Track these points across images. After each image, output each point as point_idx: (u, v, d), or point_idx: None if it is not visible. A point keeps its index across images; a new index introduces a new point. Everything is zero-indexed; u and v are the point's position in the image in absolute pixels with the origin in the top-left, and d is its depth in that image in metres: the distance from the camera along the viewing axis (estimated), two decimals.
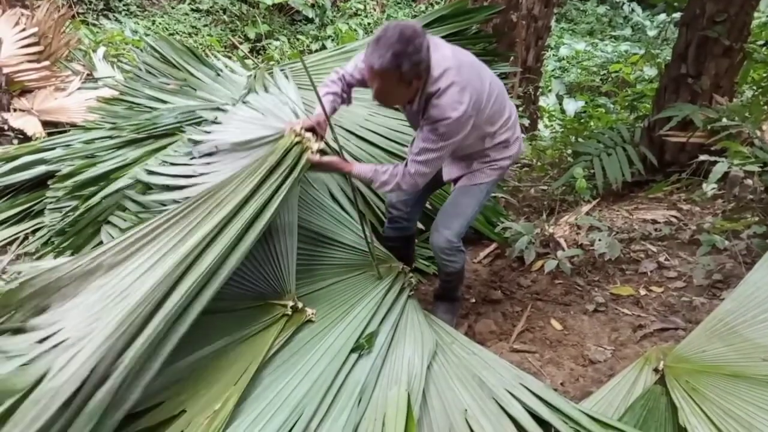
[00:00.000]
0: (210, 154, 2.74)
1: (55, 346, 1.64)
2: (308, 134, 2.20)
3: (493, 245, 3.56)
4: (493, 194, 3.59)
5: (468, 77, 2.09)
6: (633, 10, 12.33)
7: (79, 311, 1.76)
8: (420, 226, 3.13)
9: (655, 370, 1.94)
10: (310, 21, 11.50)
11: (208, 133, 2.92)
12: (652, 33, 11.22)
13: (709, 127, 3.81)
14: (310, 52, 9.93)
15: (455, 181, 2.54)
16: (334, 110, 2.33)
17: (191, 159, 2.80)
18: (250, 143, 2.61)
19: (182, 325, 1.73)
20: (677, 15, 5.58)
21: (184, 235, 1.92)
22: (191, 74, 4.09)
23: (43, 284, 1.87)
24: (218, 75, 4.13)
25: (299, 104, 3.09)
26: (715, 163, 2.99)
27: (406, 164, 2.23)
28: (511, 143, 2.44)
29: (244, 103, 3.12)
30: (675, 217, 3.62)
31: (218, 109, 3.26)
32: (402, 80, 1.98)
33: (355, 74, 2.36)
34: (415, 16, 11.49)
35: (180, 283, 1.77)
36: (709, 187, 3.26)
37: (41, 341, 1.68)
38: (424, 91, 2.08)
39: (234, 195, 2.03)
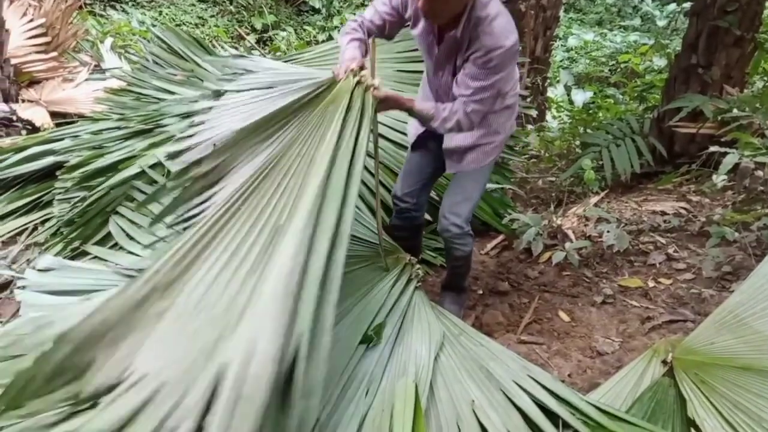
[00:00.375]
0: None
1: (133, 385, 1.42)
2: (364, 71, 2.04)
3: (501, 237, 3.55)
4: (500, 185, 3.58)
5: (508, 12, 2.06)
6: (642, 0, 12.21)
7: (146, 349, 1.51)
8: (427, 217, 3.13)
9: (664, 362, 1.93)
10: (317, 12, 11.46)
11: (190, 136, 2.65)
12: (661, 23, 11.11)
13: (719, 118, 3.78)
14: (317, 42, 9.89)
15: (458, 167, 2.48)
16: (362, 56, 2.17)
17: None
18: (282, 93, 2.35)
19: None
20: (687, 5, 5.52)
21: (260, 226, 1.73)
22: (198, 65, 4.08)
23: (84, 335, 1.51)
24: (225, 66, 4.12)
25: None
26: (725, 154, 2.97)
27: (461, 104, 2.11)
28: (514, 111, 2.39)
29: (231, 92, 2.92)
30: (684, 208, 3.60)
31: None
32: None
33: (375, 20, 2.25)
34: None
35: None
36: (719, 179, 3.24)
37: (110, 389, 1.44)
38: (472, 15, 2.00)
39: (305, 159, 1.84)
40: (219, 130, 2.33)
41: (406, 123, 3.30)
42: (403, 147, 3.21)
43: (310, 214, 1.66)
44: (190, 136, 2.46)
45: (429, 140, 2.48)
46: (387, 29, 2.29)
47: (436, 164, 2.52)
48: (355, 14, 11.11)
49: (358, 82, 2.00)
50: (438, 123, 2.14)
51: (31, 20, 5.62)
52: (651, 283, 2.91)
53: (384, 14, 2.24)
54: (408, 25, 2.31)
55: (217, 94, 2.59)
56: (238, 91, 2.63)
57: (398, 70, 3.61)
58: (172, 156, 2.48)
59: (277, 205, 1.78)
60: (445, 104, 2.14)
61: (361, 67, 2.05)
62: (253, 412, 1.29)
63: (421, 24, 2.18)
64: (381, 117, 3.34)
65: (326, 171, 1.77)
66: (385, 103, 2.09)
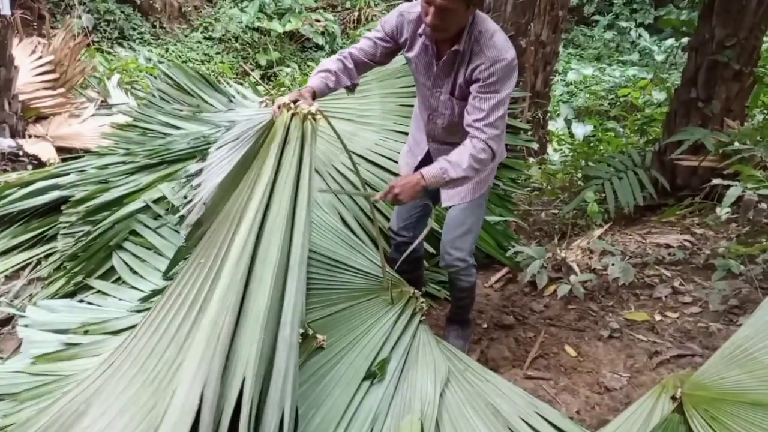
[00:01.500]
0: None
1: None
2: (299, 102, 1.99)
3: (505, 269, 3.54)
4: (503, 218, 3.57)
5: None
6: (640, 35, 12.42)
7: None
8: (430, 249, 3.12)
9: (673, 398, 1.90)
10: (320, 48, 11.65)
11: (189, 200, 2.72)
12: (659, 58, 11.27)
13: (720, 151, 3.79)
14: None
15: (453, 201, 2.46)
16: (327, 87, 2.18)
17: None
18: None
19: None
20: (685, 40, 5.60)
21: (189, 284, 1.75)
22: (204, 101, 4.14)
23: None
24: (230, 101, 4.18)
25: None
26: (728, 187, 2.98)
27: (473, 137, 2.07)
28: (502, 136, 2.30)
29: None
30: (689, 241, 3.59)
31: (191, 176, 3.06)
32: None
33: (365, 47, 2.26)
34: None
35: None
36: (723, 211, 3.24)
37: None
38: (473, 29, 2.03)
39: (242, 202, 1.86)
40: (205, 190, 2.36)
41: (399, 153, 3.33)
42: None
43: (240, 252, 1.66)
44: (189, 200, 2.52)
45: None
46: (379, 56, 2.29)
47: (429, 197, 2.52)
48: None
49: (293, 114, 1.97)
50: (459, 172, 2.06)
51: (40, 57, 5.72)
52: (657, 317, 2.89)
53: (377, 40, 2.26)
54: (403, 52, 2.31)
55: (203, 157, 2.65)
56: (218, 148, 2.68)
57: (401, 105, 3.65)
58: (181, 222, 2.62)
59: (209, 253, 1.80)
60: (451, 158, 2.08)
61: (295, 100, 2.01)
62: None
63: (419, 44, 2.19)
64: (375, 147, 3.37)
65: (258, 206, 1.78)
66: (396, 198, 2.09)
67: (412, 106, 3.65)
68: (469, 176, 2.10)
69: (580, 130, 8.15)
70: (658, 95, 7.75)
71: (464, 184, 2.24)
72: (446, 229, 2.48)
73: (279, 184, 1.84)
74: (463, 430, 1.80)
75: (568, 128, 8.56)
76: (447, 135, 2.34)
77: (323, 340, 2.06)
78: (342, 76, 2.24)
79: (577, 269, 3.29)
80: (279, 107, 2.01)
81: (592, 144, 6.21)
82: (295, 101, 2.00)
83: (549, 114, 6.72)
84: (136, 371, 1.61)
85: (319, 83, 2.16)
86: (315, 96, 2.16)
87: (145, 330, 1.73)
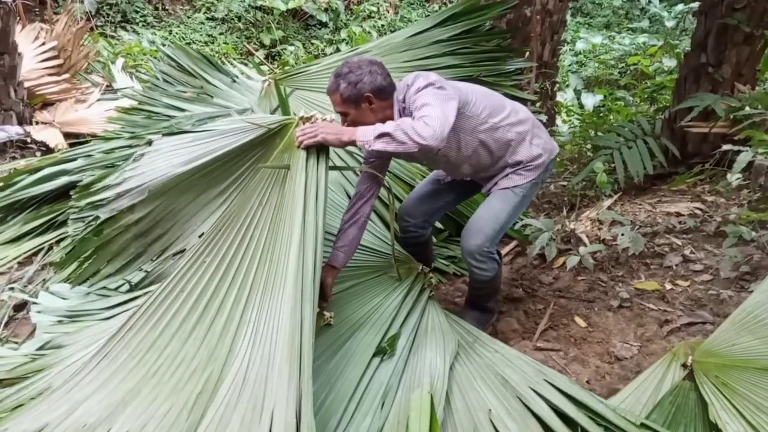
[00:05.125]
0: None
1: None
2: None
3: (514, 243, 3.53)
4: None
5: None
6: (650, 2, 12.16)
7: (123, 406, 1.63)
8: (438, 225, 3.11)
9: (684, 366, 1.90)
10: (324, 25, 11.54)
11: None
12: (670, 24, 11.04)
13: (731, 117, 3.73)
14: (325, 55, 9.95)
15: (489, 188, 2.45)
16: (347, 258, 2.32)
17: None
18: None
19: None
20: (695, 4, 5.49)
21: (229, 280, 1.88)
22: (207, 82, 4.12)
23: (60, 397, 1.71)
24: (234, 81, 4.16)
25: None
26: (739, 152, 2.93)
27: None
28: (525, 137, 2.33)
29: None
30: (699, 209, 3.55)
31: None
32: (348, 102, 2.09)
33: (366, 194, 2.34)
34: (428, 16, 11.47)
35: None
36: (734, 178, 3.20)
37: None
38: (398, 101, 2.15)
39: (269, 207, 1.99)
40: (153, 175, 2.25)
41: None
42: None
43: (296, 274, 1.72)
44: (119, 183, 2.31)
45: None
46: (377, 187, 2.37)
47: (453, 195, 2.51)
48: (362, 27, 11.19)
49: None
50: (387, 128, 1.96)
51: (43, 43, 5.72)
52: (668, 286, 2.87)
53: (369, 182, 2.34)
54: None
55: (149, 143, 2.52)
56: (175, 133, 2.59)
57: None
58: (97, 205, 2.36)
59: (245, 258, 1.90)
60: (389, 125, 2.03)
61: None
62: None
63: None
64: None
65: (301, 219, 1.85)
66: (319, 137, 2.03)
67: None
68: (397, 137, 1.93)
69: (590, 100, 8.04)
70: (669, 62, 7.60)
71: (390, 147, 1.97)
72: (475, 212, 2.43)
73: (310, 198, 1.92)
74: (473, 402, 1.81)
75: (578, 99, 8.46)
76: (476, 172, 2.40)
77: (331, 317, 2.07)
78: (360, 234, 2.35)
79: (586, 240, 3.28)
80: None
81: (601, 114, 6.13)
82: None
83: (558, 85, 6.62)
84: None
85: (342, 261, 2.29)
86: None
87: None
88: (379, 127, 1.97)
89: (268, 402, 1.48)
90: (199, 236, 2.17)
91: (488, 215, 2.35)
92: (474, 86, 2.30)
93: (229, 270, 1.90)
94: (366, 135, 1.98)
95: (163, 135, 2.51)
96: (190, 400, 1.59)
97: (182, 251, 2.23)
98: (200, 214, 2.26)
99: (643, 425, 1.65)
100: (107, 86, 6.01)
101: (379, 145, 1.95)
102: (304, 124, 2.07)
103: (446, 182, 2.57)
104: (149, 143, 2.47)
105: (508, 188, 2.36)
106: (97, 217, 3.07)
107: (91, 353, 1.86)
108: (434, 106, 1.97)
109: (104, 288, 2.53)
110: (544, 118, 5.03)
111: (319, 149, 2.03)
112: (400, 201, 3.05)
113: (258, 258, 1.89)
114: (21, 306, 2.75)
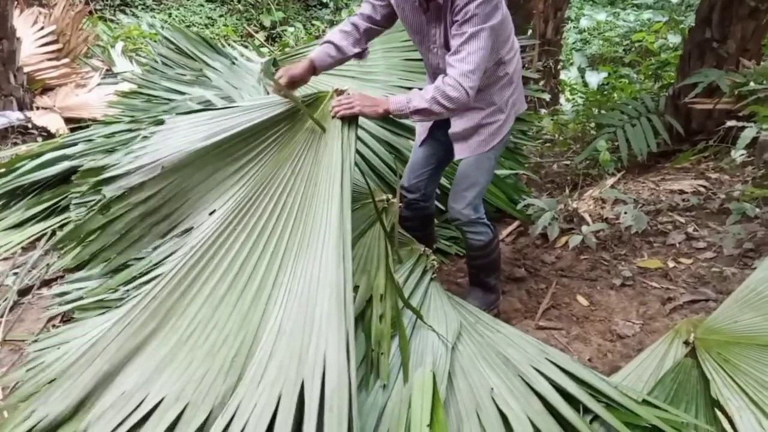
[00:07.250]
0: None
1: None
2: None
3: (516, 223, 3.52)
4: (514, 171, 3.53)
5: None
6: None
7: (157, 373, 1.64)
8: (440, 206, 3.10)
9: (686, 343, 1.90)
10: (325, 6, 11.44)
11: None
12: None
13: (736, 92, 3.69)
14: None
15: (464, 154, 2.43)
16: (329, 57, 2.28)
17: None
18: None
19: None
20: None
21: (261, 246, 1.93)
22: (207, 64, 4.09)
23: (82, 370, 1.68)
24: (233, 63, 4.12)
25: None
26: (743, 128, 2.91)
27: (445, 74, 2.03)
28: (517, 86, 2.33)
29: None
30: (703, 186, 3.53)
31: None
32: None
33: (365, 11, 2.30)
34: None
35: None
36: (738, 154, 3.17)
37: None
38: None
39: (301, 179, 2.05)
40: (168, 151, 2.25)
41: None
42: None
43: (339, 230, 1.78)
44: (130, 162, 2.31)
45: (435, 130, 2.46)
46: (380, 19, 2.33)
47: (441, 152, 2.49)
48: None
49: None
50: (423, 103, 2.03)
51: (42, 28, 5.67)
52: (671, 264, 2.87)
53: (374, 2, 2.28)
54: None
55: (159, 123, 2.48)
56: (189, 112, 2.57)
57: (406, 59, 3.59)
58: (105, 183, 2.35)
59: (278, 225, 1.95)
60: (414, 92, 2.08)
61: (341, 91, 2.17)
62: (340, 423, 1.39)
63: (409, 3, 2.16)
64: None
65: (339, 182, 1.91)
66: (356, 109, 2.10)
67: (418, 60, 3.60)
68: (434, 110, 2.04)
69: (594, 78, 7.97)
70: (674, 39, 7.51)
71: (430, 118, 2.15)
72: (454, 181, 2.47)
73: (345, 169, 1.98)
74: (475, 381, 1.81)
75: (582, 77, 8.37)
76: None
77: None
78: (344, 45, 2.29)
79: (588, 219, 3.27)
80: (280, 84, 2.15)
81: (605, 92, 6.08)
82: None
83: (561, 63, 6.57)
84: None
85: (318, 54, 2.24)
86: (315, 67, 2.26)
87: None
88: (414, 100, 2.05)
89: (313, 347, 1.53)
90: (210, 214, 2.18)
91: (468, 182, 2.40)
92: (511, 25, 2.23)
93: (261, 236, 1.96)
94: (401, 106, 2.06)
95: (177, 114, 2.53)
96: (225, 364, 1.63)
97: (189, 229, 2.23)
98: (214, 191, 2.26)
99: (644, 402, 1.65)
100: (107, 70, 5.96)
101: (417, 118, 2.11)
102: (338, 95, 2.14)
103: (431, 142, 2.53)
104: (161, 122, 2.49)
105: (482, 154, 2.36)
106: (104, 197, 3.08)
107: (111, 322, 1.86)
108: (468, 61, 1.98)
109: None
110: (547, 96, 5.00)
111: (350, 120, 2.11)
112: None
113: (291, 223, 1.96)
114: (25, 291, 2.76)
